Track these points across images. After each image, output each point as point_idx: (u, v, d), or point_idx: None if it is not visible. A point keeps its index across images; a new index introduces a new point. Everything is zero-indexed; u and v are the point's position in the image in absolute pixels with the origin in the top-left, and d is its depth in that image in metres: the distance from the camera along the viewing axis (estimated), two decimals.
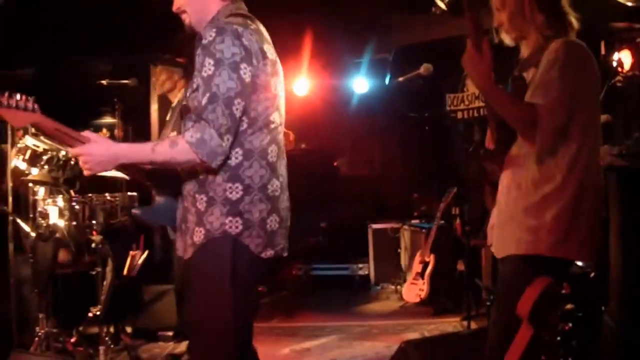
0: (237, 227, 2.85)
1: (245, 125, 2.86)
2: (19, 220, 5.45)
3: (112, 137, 5.87)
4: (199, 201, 2.90)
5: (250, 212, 2.86)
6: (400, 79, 5.85)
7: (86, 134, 2.85)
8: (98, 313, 5.35)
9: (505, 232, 3.11)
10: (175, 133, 3.16)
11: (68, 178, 5.26)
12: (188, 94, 2.94)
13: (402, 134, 9.89)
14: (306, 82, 10.12)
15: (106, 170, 2.91)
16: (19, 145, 5.24)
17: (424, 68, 5.63)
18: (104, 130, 9.20)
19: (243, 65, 2.78)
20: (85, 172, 2.86)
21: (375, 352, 5.92)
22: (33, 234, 5.36)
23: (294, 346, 6.20)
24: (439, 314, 7.09)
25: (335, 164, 10.43)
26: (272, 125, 2.94)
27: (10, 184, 5.40)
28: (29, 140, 5.18)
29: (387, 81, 9.37)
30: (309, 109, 10.74)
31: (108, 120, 11.01)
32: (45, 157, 5.17)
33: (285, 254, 3.06)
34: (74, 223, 5.36)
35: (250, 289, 3.04)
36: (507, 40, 3.21)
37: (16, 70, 9.50)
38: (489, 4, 3.21)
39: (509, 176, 3.11)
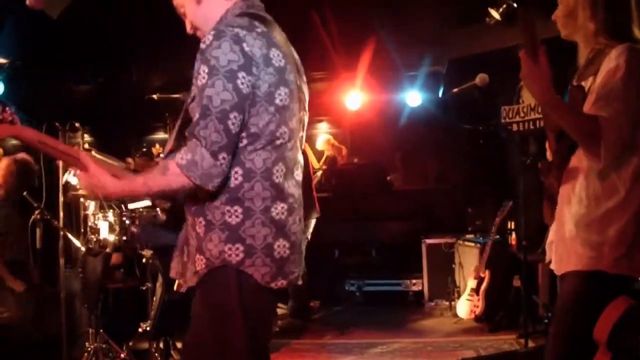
0: (237, 255, 2.58)
1: (245, 142, 2.57)
2: (69, 235, 5.47)
3: None
4: (198, 224, 2.65)
5: (252, 237, 2.58)
6: (456, 90, 5.74)
7: (76, 152, 2.69)
8: (148, 328, 5.33)
9: (566, 248, 2.97)
10: (173, 143, 2.83)
11: None
12: (188, 102, 2.66)
13: (456, 147, 9.79)
14: (359, 96, 10.07)
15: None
16: None
17: (480, 78, 5.53)
18: (157, 146, 9.25)
19: (241, 74, 2.49)
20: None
21: None
22: (83, 249, 5.37)
23: None
24: (494, 331, 6.94)
25: (388, 178, 10.32)
26: (279, 142, 2.62)
27: (61, 199, 5.43)
28: None
29: (440, 94, 9.28)
30: (361, 123, 10.72)
31: (161, 135, 11.12)
32: None
33: (300, 282, 2.81)
34: (124, 238, 5.34)
35: (263, 318, 2.78)
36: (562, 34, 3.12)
37: (72, 86, 9.65)
38: (544, 14, 3.11)
39: (569, 190, 2.98)
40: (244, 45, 2.51)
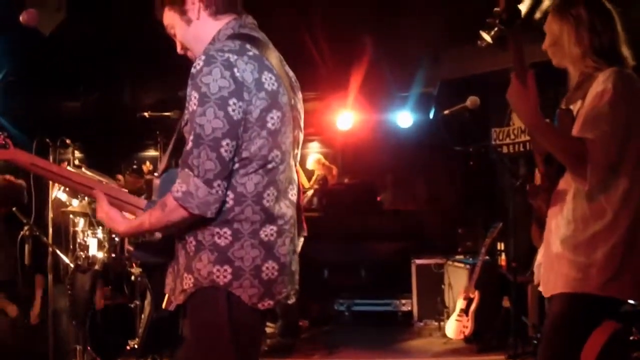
0: (225, 277, 2.57)
1: (237, 166, 2.56)
2: (58, 252, 5.45)
3: (155, 170, 5.89)
4: (189, 244, 2.64)
5: (241, 259, 2.57)
6: (446, 111, 5.77)
7: (91, 183, 2.79)
8: (136, 346, 5.31)
9: (554, 270, 2.98)
10: (166, 161, 2.88)
11: None
12: (182, 125, 2.66)
13: (446, 168, 9.82)
14: (350, 116, 10.09)
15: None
16: None
17: (470, 101, 5.55)
18: (147, 164, 9.23)
19: (232, 101, 2.47)
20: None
21: None
22: (72, 265, 5.35)
23: None
24: (483, 352, 6.94)
25: (378, 198, 10.33)
26: (270, 166, 2.61)
27: (51, 215, 5.42)
28: None
29: (431, 115, 9.31)
30: (352, 143, 10.74)
31: (152, 153, 11.12)
32: None
33: (291, 301, 2.79)
34: (113, 255, 5.34)
35: (251, 338, 2.76)
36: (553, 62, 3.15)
37: (63, 103, 9.66)
38: (534, 38, 3.13)
39: (557, 212, 2.99)
40: (235, 70, 2.49)
